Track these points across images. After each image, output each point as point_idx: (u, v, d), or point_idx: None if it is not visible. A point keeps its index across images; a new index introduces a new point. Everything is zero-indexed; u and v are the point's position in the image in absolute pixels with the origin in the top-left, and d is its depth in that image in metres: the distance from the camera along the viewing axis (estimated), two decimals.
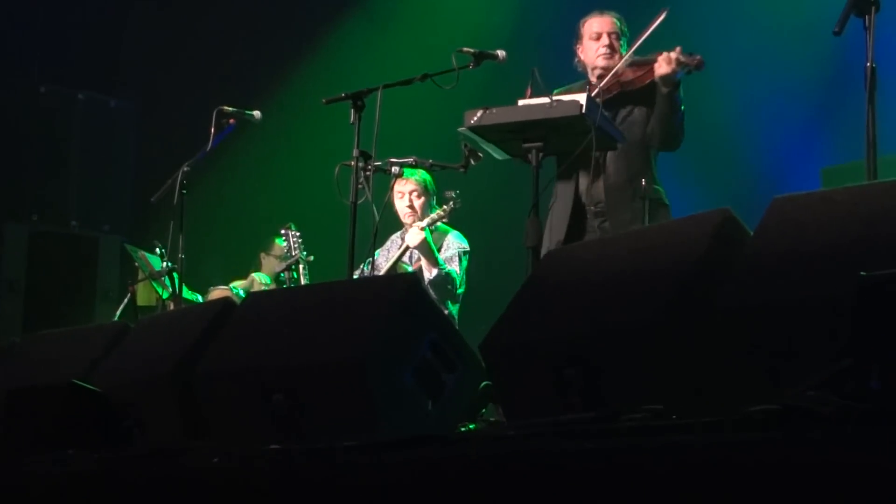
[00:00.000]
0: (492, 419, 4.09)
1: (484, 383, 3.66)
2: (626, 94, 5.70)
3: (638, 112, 5.72)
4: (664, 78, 5.51)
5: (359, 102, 5.61)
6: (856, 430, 2.20)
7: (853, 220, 2.90)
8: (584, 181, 5.63)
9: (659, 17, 5.65)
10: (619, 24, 5.87)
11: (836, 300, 2.64)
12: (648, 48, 5.68)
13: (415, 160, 6.45)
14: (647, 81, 5.62)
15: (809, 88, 8.31)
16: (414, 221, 6.91)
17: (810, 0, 7.74)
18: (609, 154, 5.60)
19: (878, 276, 2.45)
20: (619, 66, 5.69)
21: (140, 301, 7.96)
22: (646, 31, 5.69)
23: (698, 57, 5.46)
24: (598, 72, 5.81)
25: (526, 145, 5.29)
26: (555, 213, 5.70)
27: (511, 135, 5.31)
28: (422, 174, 6.90)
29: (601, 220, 5.62)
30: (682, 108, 5.62)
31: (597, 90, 5.64)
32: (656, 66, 5.51)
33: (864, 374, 2.37)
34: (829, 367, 2.47)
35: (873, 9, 4.29)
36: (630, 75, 5.68)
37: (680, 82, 5.55)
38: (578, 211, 5.63)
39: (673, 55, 5.45)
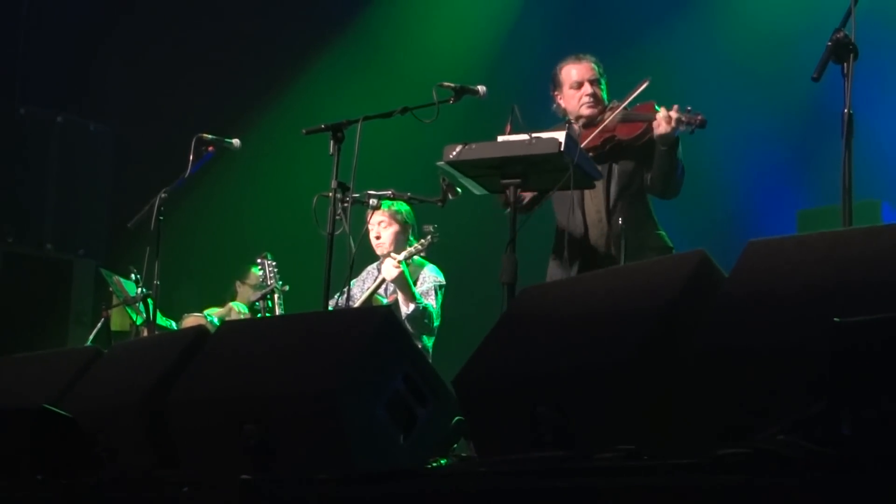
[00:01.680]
0: (463, 455, 4.08)
1: (456, 418, 3.65)
2: (619, 147, 5.69)
3: (634, 164, 5.70)
4: (663, 137, 5.47)
5: (338, 134, 5.61)
6: (825, 476, 2.21)
7: (828, 265, 2.91)
8: (591, 232, 5.63)
9: (640, 86, 5.65)
10: (597, 68, 5.85)
11: (810, 346, 2.65)
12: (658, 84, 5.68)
13: (393, 193, 6.46)
14: (645, 139, 5.61)
15: (787, 132, 8.37)
16: (383, 252, 6.89)
17: (789, 45, 7.81)
18: (612, 205, 5.63)
19: (852, 323, 2.46)
20: (608, 120, 5.67)
21: (114, 326, 7.93)
22: (627, 98, 5.68)
23: (700, 116, 5.40)
24: (582, 120, 5.80)
25: (504, 181, 5.29)
26: (558, 265, 5.69)
27: (490, 170, 5.32)
28: (397, 205, 6.87)
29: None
30: (682, 163, 5.60)
31: (592, 150, 5.60)
32: (654, 124, 5.46)
33: (836, 419, 2.38)
34: (801, 412, 2.48)
35: (852, 56, 4.32)
36: (624, 133, 5.65)
37: (679, 140, 5.52)
38: (589, 263, 5.58)
39: (672, 114, 5.41)
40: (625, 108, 5.69)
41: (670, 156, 5.52)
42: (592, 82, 5.82)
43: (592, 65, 5.86)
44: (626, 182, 5.69)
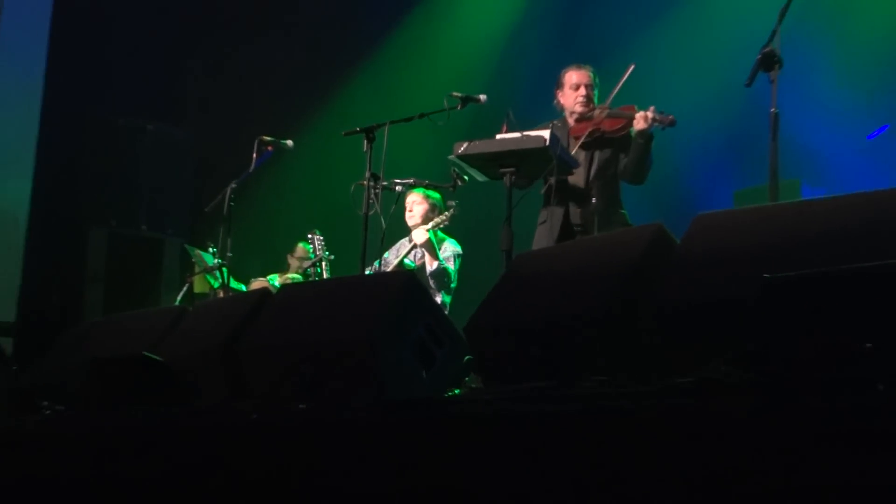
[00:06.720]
0: (473, 386, 4.10)
1: (467, 357, 3.66)
2: (603, 138, 5.66)
3: (612, 153, 5.67)
4: (641, 132, 5.44)
5: (370, 135, 5.61)
6: (755, 397, 2.22)
7: (759, 233, 2.91)
8: (571, 206, 5.60)
9: (627, 71, 5.58)
10: (593, 76, 5.81)
11: (745, 297, 2.65)
12: (627, 85, 5.64)
13: (414, 180, 6.48)
14: (624, 133, 5.60)
15: (725, 126, 8.32)
16: (413, 223, 6.93)
17: (726, 57, 7.76)
18: (590, 186, 5.60)
19: (779, 279, 2.46)
20: (597, 116, 5.61)
21: (196, 289, 7.95)
22: (618, 85, 5.61)
23: (670, 116, 5.40)
24: (575, 116, 5.77)
25: (502, 170, 5.29)
26: (546, 232, 5.64)
27: (490, 162, 5.32)
28: (430, 192, 6.92)
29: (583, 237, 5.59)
30: (652, 157, 5.57)
31: (581, 139, 5.60)
32: (635, 122, 5.43)
33: (765, 356, 2.38)
34: (738, 350, 2.49)
35: (777, 66, 4.30)
36: (608, 126, 5.61)
37: (653, 136, 5.49)
38: (567, 230, 5.60)
39: (649, 114, 5.39)
40: (609, 108, 5.65)
41: (646, 148, 5.50)
42: (587, 86, 5.78)
43: (590, 73, 5.82)
44: (603, 168, 5.66)
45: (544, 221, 5.69)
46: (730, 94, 7.61)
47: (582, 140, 5.63)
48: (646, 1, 8.88)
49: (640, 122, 5.42)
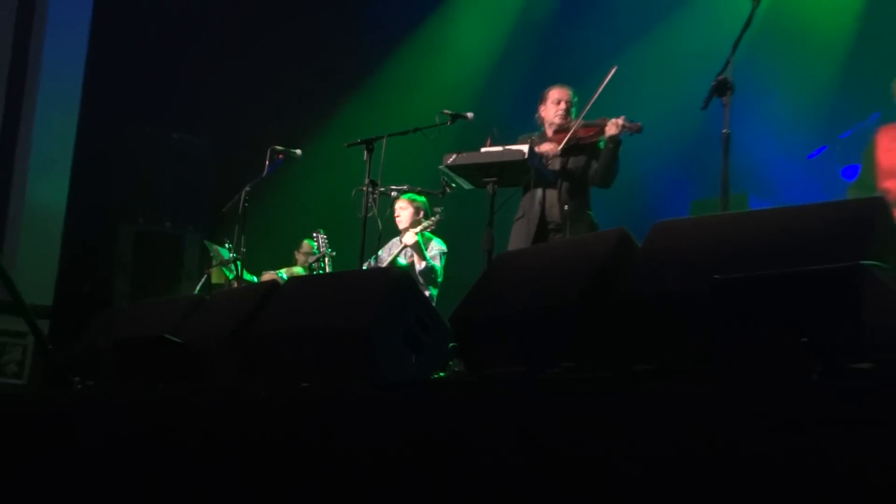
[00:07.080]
0: (456, 370, 4.10)
1: (451, 344, 3.67)
2: (578, 146, 5.66)
3: (584, 160, 5.67)
4: (611, 137, 5.45)
5: (370, 146, 5.62)
6: (707, 384, 2.23)
7: (712, 239, 2.92)
8: (547, 206, 5.61)
9: (610, 72, 5.50)
10: (573, 95, 5.81)
11: (698, 294, 2.66)
12: (599, 102, 5.61)
13: (408, 187, 6.48)
14: (596, 139, 5.61)
15: (683, 143, 8.34)
16: (402, 226, 6.92)
17: (685, 82, 7.77)
18: (564, 189, 5.60)
19: (728, 279, 2.47)
20: (574, 126, 5.61)
21: (213, 280, 7.95)
22: (601, 85, 5.53)
23: (638, 123, 5.40)
24: (553, 127, 5.77)
25: (486, 179, 5.30)
26: (523, 226, 5.64)
27: (476, 171, 5.33)
28: (416, 196, 6.92)
29: (554, 234, 5.60)
30: (619, 162, 5.57)
31: (561, 146, 5.59)
32: (607, 128, 5.44)
33: (715, 346, 2.39)
34: (692, 339, 2.50)
35: (730, 92, 4.32)
36: (583, 133, 5.61)
37: (621, 141, 5.49)
38: (543, 228, 5.61)
39: (619, 121, 5.41)
40: (584, 119, 5.65)
41: (614, 152, 5.50)
42: (567, 102, 5.78)
43: (570, 92, 5.83)
44: (575, 174, 5.66)
45: (521, 216, 5.69)
46: (688, 114, 7.62)
47: (560, 148, 5.64)
48: (614, 33, 8.89)
49: (611, 128, 5.45)
